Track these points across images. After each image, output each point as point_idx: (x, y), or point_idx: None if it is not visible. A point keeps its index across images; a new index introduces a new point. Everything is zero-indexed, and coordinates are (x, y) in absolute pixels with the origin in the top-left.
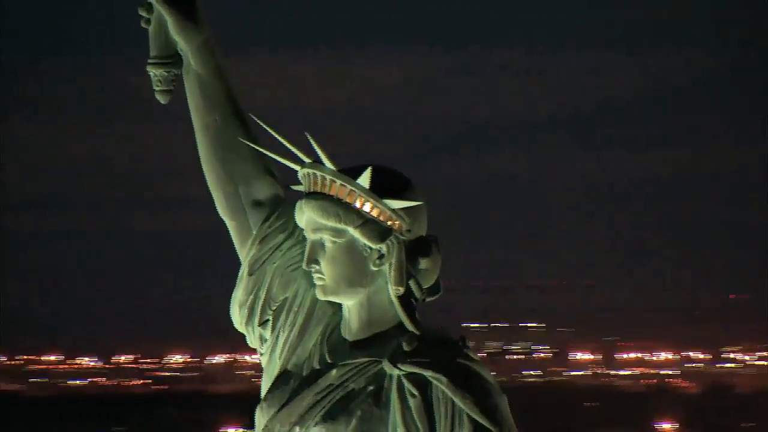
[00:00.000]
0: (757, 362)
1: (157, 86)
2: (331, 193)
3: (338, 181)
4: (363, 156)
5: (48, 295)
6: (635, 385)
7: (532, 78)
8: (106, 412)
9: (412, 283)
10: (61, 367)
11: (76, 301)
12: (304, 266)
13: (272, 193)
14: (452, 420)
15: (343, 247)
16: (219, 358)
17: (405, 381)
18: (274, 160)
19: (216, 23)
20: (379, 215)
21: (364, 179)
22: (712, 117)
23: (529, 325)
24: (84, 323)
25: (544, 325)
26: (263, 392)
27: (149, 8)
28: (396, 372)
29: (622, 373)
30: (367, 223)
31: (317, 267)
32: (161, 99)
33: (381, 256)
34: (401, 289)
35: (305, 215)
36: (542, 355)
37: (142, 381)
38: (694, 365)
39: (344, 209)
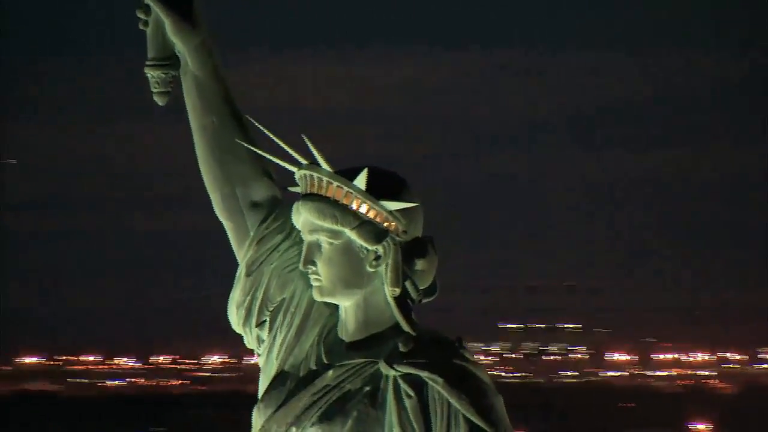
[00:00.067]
0: None
1: (155, 88)
2: (328, 195)
3: (335, 183)
4: (363, 156)
5: (48, 295)
6: (671, 385)
7: (532, 78)
8: (145, 413)
9: (408, 284)
10: (100, 367)
11: (76, 301)
12: (300, 267)
13: (269, 194)
14: (448, 421)
15: (339, 249)
16: (257, 359)
17: (401, 382)
18: (272, 161)
19: (216, 23)
20: (375, 217)
21: (361, 181)
22: (712, 117)
23: (565, 326)
24: (84, 323)
25: (580, 326)
26: (260, 393)
27: (147, 10)
28: (392, 373)
29: (658, 373)
30: (363, 224)
31: (314, 268)
32: (159, 100)
33: (377, 258)
34: (397, 290)
35: (302, 217)
36: (579, 356)
37: (180, 381)
38: (730, 366)
39: (341, 211)
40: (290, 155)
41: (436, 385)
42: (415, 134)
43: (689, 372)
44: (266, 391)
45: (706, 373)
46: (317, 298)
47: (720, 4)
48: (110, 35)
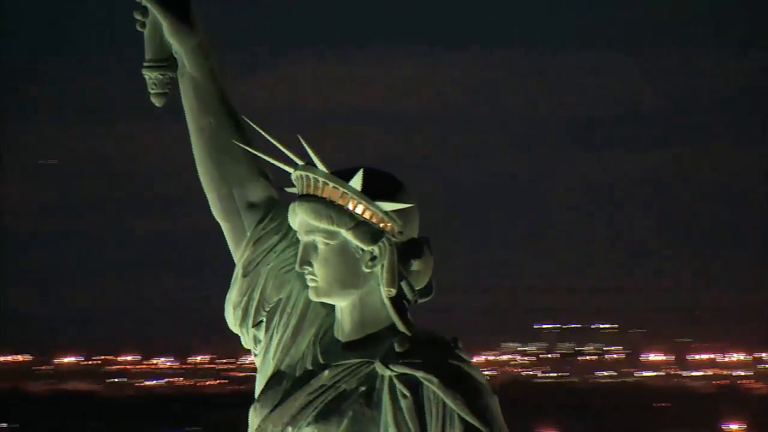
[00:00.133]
0: None
1: (153, 89)
2: (324, 196)
3: (331, 184)
4: (363, 156)
5: (48, 295)
6: (707, 385)
7: (532, 78)
8: (181, 412)
9: (404, 284)
10: (138, 367)
11: (76, 301)
12: (297, 268)
13: (266, 195)
14: (443, 420)
15: (335, 249)
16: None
17: (396, 382)
18: (268, 162)
19: (216, 23)
20: (371, 217)
21: (356, 181)
22: (712, 117)
23: (601, 326)
24: (84, 323)
25: (616, 326)
26: (257, 393)
27: (144, 12)
28: (387, 373)
29: (694, 374)
30: (359, 225)
31: (310, 269)
32: (156, 102)
33: (373, 258)
34: (393, 291)
35: (298, 217)
36: (615, 356)
37: (218, 381)
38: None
39: (337, 211)
40: (287, 156)
41: (431, 385)
42: (415, 134)
43: (725, 372)
44: (263, 391)
45: (742, 373)
46: (313, 298)
47: (720, 4)
48: (110, 35)
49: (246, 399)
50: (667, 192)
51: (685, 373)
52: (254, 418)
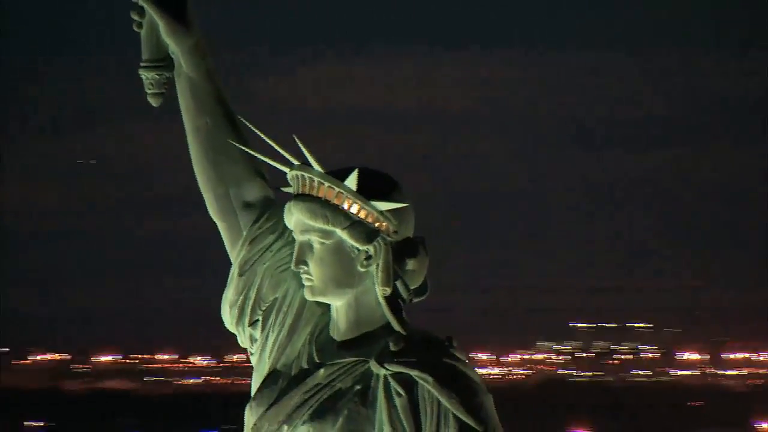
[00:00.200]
0: None
1: (149, 89)
2: (319, 195)
3: (326, 183)
4: (362, 156)
5: (48, 295)
6: (741, 384)
7: (532, 78)
8: (216, 410)
9: (399, 283)
10: (175, 365)
11: (76, 301)
12: (292, 267)
13: (262, 194)
14: (438, 419)
15: (330, 249)
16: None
17: (391, 380)
18: (264, 162)
19: (216, 23)
20: (366, 217)
21: (352, 181)
22: (712, 117)
23: (636, 325)
24: (84, 324)
25: (651, 325)
26: (253, 391)
27: (141, 12)
28: (383, 371)
29: (729, 372)
30: (354, 224)
31: (305, 268)
32: (153, 102)
33: (368, 257)
34: (388, 290)
35: (294, 217)
36: (650, 355)
37: None
38: None
39: (332, 211)
40: (283, 156)
41: (426, 384)
42: (414, 134)
43: (761, 371)
44: (258, 390)
45: None
46: (309, 297)
47: (720, 4)
48: (110, 35)
49: None
50: (667, 192)
51: (720, 372)
52: (250, 416)
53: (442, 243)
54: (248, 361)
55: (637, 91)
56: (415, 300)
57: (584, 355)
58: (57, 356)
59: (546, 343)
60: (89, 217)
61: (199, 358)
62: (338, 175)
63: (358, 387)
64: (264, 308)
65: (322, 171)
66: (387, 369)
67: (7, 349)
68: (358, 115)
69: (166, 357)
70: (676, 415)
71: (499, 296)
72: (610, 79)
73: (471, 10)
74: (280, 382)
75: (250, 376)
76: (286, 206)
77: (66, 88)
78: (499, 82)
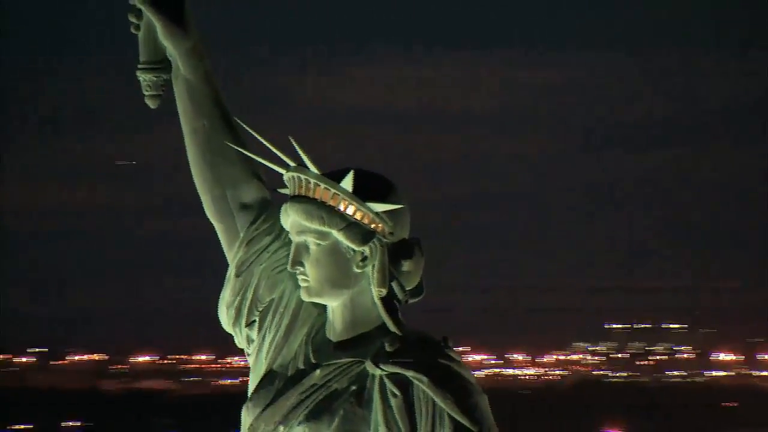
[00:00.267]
0: None
1: (147, 91)
2: (315, 197)
3: (322, 185)
4: (362, 157)
5: (48, 295)
6: None
7: (532, 78)
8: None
9: (394, 284)
10: (212, 366)
11: (76, 301)
12: (288, 268)
13: (259, 196)
14: (433, 419)
15: (326, 250)
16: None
17: (387, 381)
18: (261, 164)
19: (216, 23)
20: (362, 218)
21: (347, 183)
22: (712, 117)
23: (671, 326)
24: (84, 324)
25: (686, 326)
26: (250, 392)
27: (138, 14)
28: (378, 372)
29: (764, 373)
30: (350, 225)
31: (302, 269)
32: (151, 104)
33: (364, 258)
34: (384, 291)
35: (290, 218)
36: (685, 355)
37: None
38: None
39: (328, 212)
40: (279, 157)
41: (421, 384)
42: (415, 134)
43: None
44: (255, 390)
45: None
46: (305, 298)
47: (720, 4)
48: (110, 35)
49: None
50: (667, 192)
51: (755, 373)
52: (246, 417)
53: (442, 243)
54: None
55: (637, 91)
56: (411, 301)
57: (619, 355)
58: (95, 356)
59: (581, 344)
60: (89, 217)
61: (236, 358)
62: (334, 177)
63: (353, 387)
64: (261, 309)
65: (318, 172)
66: (382, 369)
67: (46, 350)
68: (358, 115)
69: (203, 357)
70: (710, 416)
71: (499, 296)
72: (610, 79)
73: (471, 10)
74: (277, 382)
75: None
76: (283, 207)
77: (66, 88)
78: (499, 82)
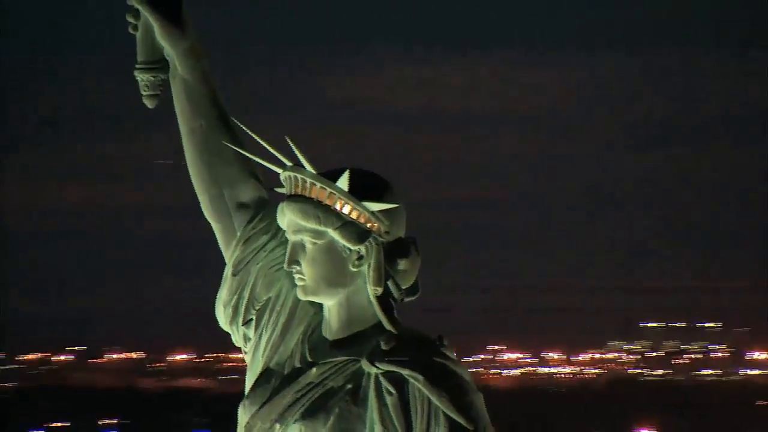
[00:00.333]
0: None
1: (144, 91)
2: (312, 196)
3: (318, 184)
4: (362, 157)
5: (48, 295)
6: None
7: (533, 78)
8: None
9: (390, 283)
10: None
11: (76, 301)
12: (285, 267)
13: (256, 195)
14: (428, 418)
15: (323, 249)
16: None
17: (382, 379)
18: (258, 163)
19: (216, 23)
20: (358, 217)
21: (343, 182)
22: (712, 117)
23: (706, 324)
24: (84, 324)
25: (721, 324)
26: (246, 390)
27: (136, 14)
28: (374, 370)
29: None
30: (346, 225)
31: (298, 267)
32: (148, 103)
33: (360, 257)
34: (380, 290)
35: (286, 217)
36: (719, 354)
37: None
38: None
39: (324, 211)
40: (275, 157)
41: (416, 382)
42: (415, 134)
43: None
44: (252, 389)
45: None
46: (301, 297)
47: (720, 4)
48: (110, 35)
49: None
50: (667, 192)
51: None
52: (243, 415)
53: (442, 243)
54: None
55: (637, 91)
56: (407, 300)
57: (654, 354)
58: (133, 355)
59: (617, 343)
60: (89, 217)
61: None
62: (330, 176)
63: (349, 386)
64: (258, 307)
65: (314, 172)
66: (378, 368)
67: (84, 348)
68: (358, 115)
69: (240, 356)
70: (744, 415)
71: (499, 296)
72: (610, 79)
73: (471, 10)
74: (273, 380)
75: None
76: (279, 207)
77: (66, 88)
78: (499, 82)
